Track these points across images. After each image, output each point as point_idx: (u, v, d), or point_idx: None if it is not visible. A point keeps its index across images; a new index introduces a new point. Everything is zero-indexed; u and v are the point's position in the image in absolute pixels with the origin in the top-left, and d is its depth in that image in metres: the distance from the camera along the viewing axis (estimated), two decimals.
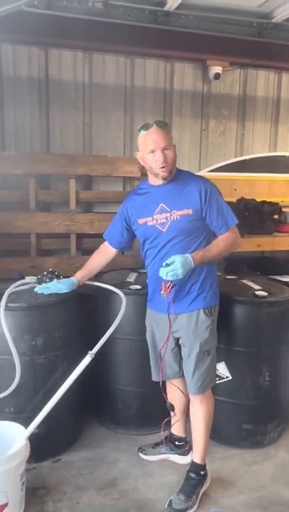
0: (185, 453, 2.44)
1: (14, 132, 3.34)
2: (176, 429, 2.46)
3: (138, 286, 2.63)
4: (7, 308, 2.21)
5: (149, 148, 2.02)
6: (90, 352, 2.03)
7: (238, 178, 3.82)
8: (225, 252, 2.14)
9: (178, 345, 2.22)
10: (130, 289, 2.58)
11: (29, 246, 3.24)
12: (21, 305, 2.28)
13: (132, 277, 2.83)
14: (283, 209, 3.73)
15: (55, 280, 2.33)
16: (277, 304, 2.56)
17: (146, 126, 2.03)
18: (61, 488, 2.22)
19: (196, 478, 2.18)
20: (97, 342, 2.09)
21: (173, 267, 1.95)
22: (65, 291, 2.31)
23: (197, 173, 2.47)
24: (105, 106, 3.53)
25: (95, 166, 3.32)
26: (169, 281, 1.97)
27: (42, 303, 2.33)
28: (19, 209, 3.25)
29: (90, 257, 2.43)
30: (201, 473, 2.20)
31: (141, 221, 2.17)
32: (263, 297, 2.55)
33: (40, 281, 2.41)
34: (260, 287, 2.68)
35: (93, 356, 2.03)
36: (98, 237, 3.47)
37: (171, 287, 1.99)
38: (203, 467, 2.21)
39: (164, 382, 2.28)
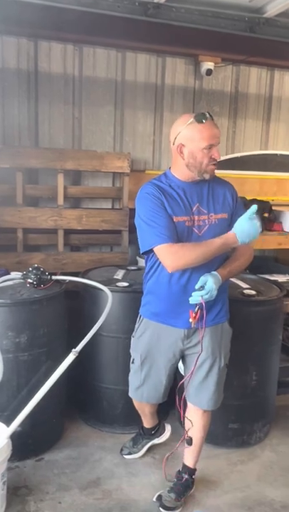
0: (162, 432, 2.49)
1: (1, 125, 3.28)
2: (150, 424, 2.45)
3: (125, 284, 2.59)
4: None
5: (207, 143, 1.81)
6: (73, 350, 1.99)
7: (229, 175, 3.77)
8: (244, 267, 2.03)
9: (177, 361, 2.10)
10: (117, 287, 2.55)
11: (15, 241, 3.19)
12: (5, 301, 2.25)
13: (119, 274, 2.80)
14: (273, 207, 3.72)
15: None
16: (265, 303, 2.54)
17: (203, 117, 1.81)
18: (44, 488, 2.19)
19: (189, 480, 2.17)
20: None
21: (208, 289, 1.81)
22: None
23: None
24: (95, 100, 3.47)
25: (83, 161, 3.27)
26: (197, 306, 1.84)
27: (26, 299, 2.29)
28: (6, 204, 3.19)
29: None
30: (193, 476, 2.18)
31: (176, 219, 1.89)
32: (251, 296, 2.54)
33: (25, 278, 2.37)
34: (248, 286, 2.67)
35: (77, 354, 1.99)
36: (86, 233, 3.48)
37: (200, 312, 1.85)
38: (195, 471, 2.20)
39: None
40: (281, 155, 4.04)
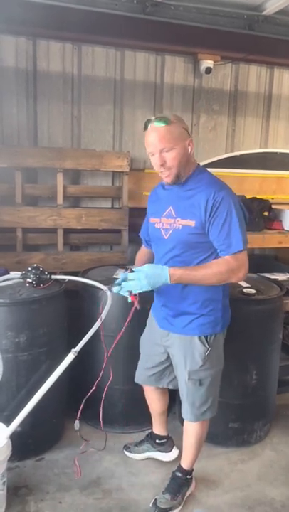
0: (167, 449, 2.43)
1: (0, 124, 3.27)
2: (157, 429, 2.43)
3: None
4: None
5: (148, 151, 1.85)
6: (73, 349, 1.99)
7: (228, 174, 3.78)
8: (217, 278, 1.79)
9: (169, 360, 2.12)
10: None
11: (15, 241, 3.18)
12: (4, 301, 2.24)
13: (119, 274, 2.79)
14: (273, 206, 3.71)
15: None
16: (265, 302, 2.54)
17: (145, 124, 1.83)
18: (44, 488, 2.19)
19: (182, 477, 2.15)
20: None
21: (135, 276, 1.76)
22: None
23: None
24: (94, 99, 3.46)
25: (82, 160, 3.26)
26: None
27: (26, 299, 2.29)
28: (5, 203, 3.19)
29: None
30: (188, 476, 2.17)
31: (151, 220, 2.01)
32: (251, 295, 2.53)
33: (24, 277, 2.36)
34: (248, 285, 2.66)
35: (76, 354, 1.98)
36: (85, 233, 3.47)
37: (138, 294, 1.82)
38: (190, 472, 2.19)
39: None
40: (281, 153, 4.03)
